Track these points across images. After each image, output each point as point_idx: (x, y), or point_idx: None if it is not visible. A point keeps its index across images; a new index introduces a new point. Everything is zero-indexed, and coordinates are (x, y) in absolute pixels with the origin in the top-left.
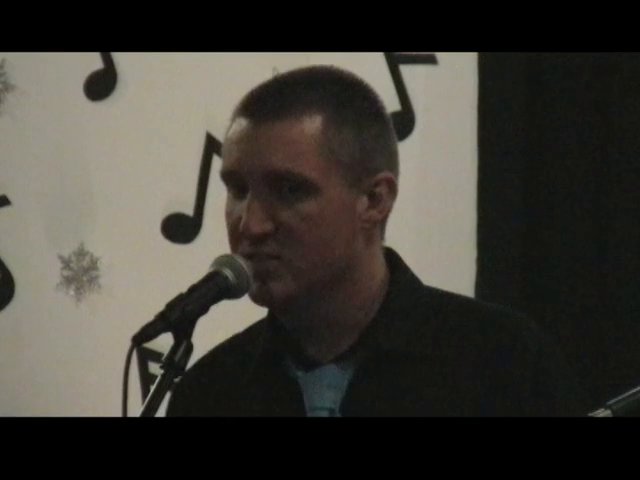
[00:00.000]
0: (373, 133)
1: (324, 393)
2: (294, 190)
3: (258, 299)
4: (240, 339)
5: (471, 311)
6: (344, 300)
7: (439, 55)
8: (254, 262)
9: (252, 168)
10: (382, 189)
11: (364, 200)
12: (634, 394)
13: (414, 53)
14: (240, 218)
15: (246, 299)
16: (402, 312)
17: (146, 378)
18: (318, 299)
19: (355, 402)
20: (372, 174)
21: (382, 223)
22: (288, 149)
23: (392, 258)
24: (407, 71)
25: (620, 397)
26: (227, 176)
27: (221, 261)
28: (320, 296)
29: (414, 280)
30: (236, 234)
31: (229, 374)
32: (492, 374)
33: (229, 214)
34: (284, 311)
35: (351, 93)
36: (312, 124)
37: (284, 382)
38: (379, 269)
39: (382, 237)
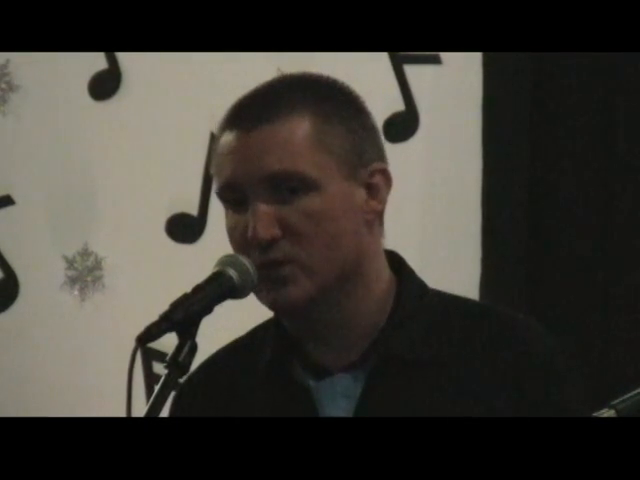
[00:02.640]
0: (360, 126)
1: (338, 402)
2: (294, 189)
3: (276, 306)
4: (244, 342)
5: (480, 315)
6: (353, 303)
7: (443, 55)
8: (267, 270)
9: (249, 176)
10: (378, 179)
11: (362, 192)
12: (638, 394)
13: (418, 53)
14: (245, 230)
15: (250, 299)
16: (412, 318)
17: (150, 378)
18: (333, 300)
19: (369, 410)
20: (366, 165)
21: (380, 218)
22: (282, 150)
23: (396, 261)
24: (411, 71)
25: (624, 397)
26: (225, 190)
27: (225, 261)
28: (335, 296)
29: (421, 284)
30: (243, 246)
31: (234, 379)
32: (504, 379)
33: (232, 229)
34: (300, 316)
35: (331, 90)
36: (301, 122)
37: (294, 390)
38: (384, 269)
39: (381, 233)
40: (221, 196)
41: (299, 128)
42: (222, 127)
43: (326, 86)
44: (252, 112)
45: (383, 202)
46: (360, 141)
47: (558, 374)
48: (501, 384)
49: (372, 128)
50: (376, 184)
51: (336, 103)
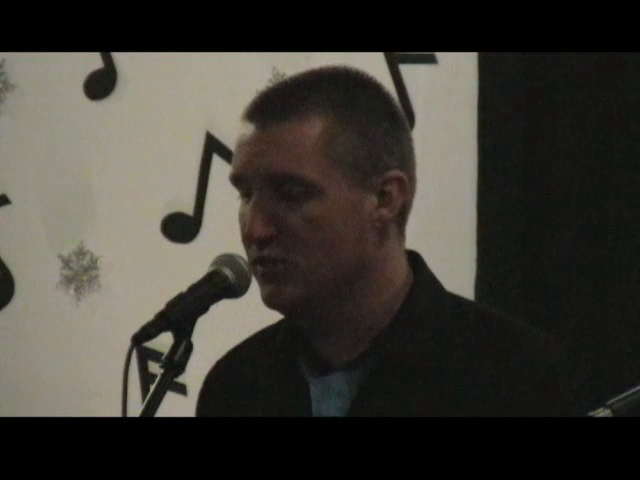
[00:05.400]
0: (381, 132)
1: (332, 401)
2: (297, 192)
3: (268, 303)
4: (270, 331)
5: (489, 325)
6: (359, 302)
7: (439, 55)
8: (262, 266)
9: (255, 171)
10: (392, 187)
11: (373, 199)
12: (634, 393)
13: (414, 53)
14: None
15: (246, 299)
16: (418, 321)
17: (146, 377)
18: (331, 301)
19: (361, 411)
20: (380, 173)
21: (399, 223)
22: (289, 151)
23: (416, 262)
24: (407, 71)
25: (620, 396)
26: (234, 180)
27: (221, 260)
28: (333, 298)
29: (436, 286)
30: (245, 237)
31: (252, 369)
32: (503, 392)
33: (240, 218)
34: (296, 314)
35: (357, 93)
36: (314, 125)
37: (296, 385)
38: (398, 271)
39: (401, 236)
40: (232, 184)
41: (311, 131)
42: (243, 116)
43: (352, 88)
44: (270, 107)
45: (395, 210)
46: (376, 148)
47: (559, 393)
48: (501, 398)
49: (396, 134)
50: (389, 192)
51: (358, 108)
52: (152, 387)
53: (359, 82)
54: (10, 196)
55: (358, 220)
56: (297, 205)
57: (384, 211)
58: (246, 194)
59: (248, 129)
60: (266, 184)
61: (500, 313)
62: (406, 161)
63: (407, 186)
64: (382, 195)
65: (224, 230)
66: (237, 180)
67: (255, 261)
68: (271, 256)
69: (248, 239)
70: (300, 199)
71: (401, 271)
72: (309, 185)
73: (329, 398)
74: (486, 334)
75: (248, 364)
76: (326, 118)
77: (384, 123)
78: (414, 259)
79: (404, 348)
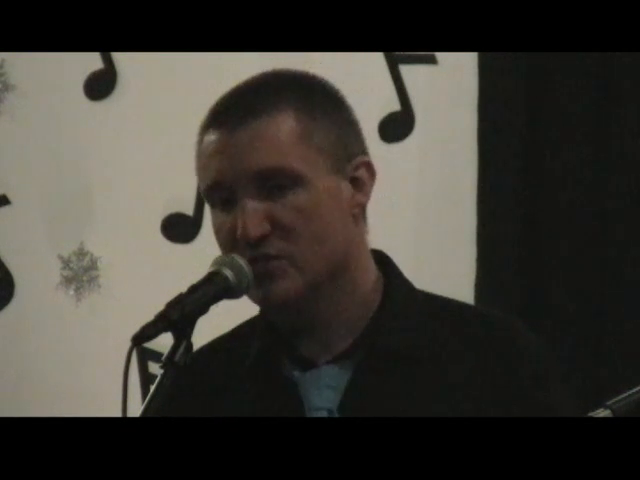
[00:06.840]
0: (343, 119)
1: (323, 393)
2: (282, 186)
3: (267, 302)
4: (229, 339)
5: (466, 314)
6: (347, 294)
7: (439, 55)
8: (257, 265)
9: (237, 174)
10: (362, 173)
11: (348, 186)
12: (634, 394)
13: (414, 53)
14: (233, 228)
15: (246, 299)
16: (400, 313)
17: (146, 378)
18: (324, 293)
19: (353, 403)
20: (351, 159)
21: (364, 212)
22: (269, 146)
23: (383, 259)
24: (407, 71)
25: (620, 397)
26: (213, 189)
27: (221, 261)
28: (326, 290)
29: (407, 282)
30: (231, 244)
31: (217, 375)
32: (489, 376)
33: (219, 229)
34: (292, 311)
35: (311, 85)
36: (286, 118)
37: (281, 382)
38: (370, 263)
39: (366, 227)
40: (208, 196)
41: (284, 124)
42: (204, 128)
43: (306, 81)
44: (235, 111)
45: (368, 195)
46: (344, 135)
47: (543, 373)
48: (486, 382)
49: (354, 122)
50: (361, 177)
51: (318, 98)
52: (152, 388)
53: (307, 76)
54: (10, 196)
55: (340, 207)
56: (285, 198)
57: (359, 196)
58: (224, 203)
59: (216, 137)
60: (250, 184)
61: (468, 303)
62: (365, 147)
63: (374, 171)
64: (354, 181)
65: None
66: (216, 189)
67: (250, 261)
68: (269, 253)
69: (244, 241)
70: (287, 191)
71: (371, 262)
72: (295, 176)
73: (319, 391)
74: (465, 322)
75: (215, 368)
76: (296, 109)
77: (341, 111)
78: (381, 255)
79: (391, 340)
